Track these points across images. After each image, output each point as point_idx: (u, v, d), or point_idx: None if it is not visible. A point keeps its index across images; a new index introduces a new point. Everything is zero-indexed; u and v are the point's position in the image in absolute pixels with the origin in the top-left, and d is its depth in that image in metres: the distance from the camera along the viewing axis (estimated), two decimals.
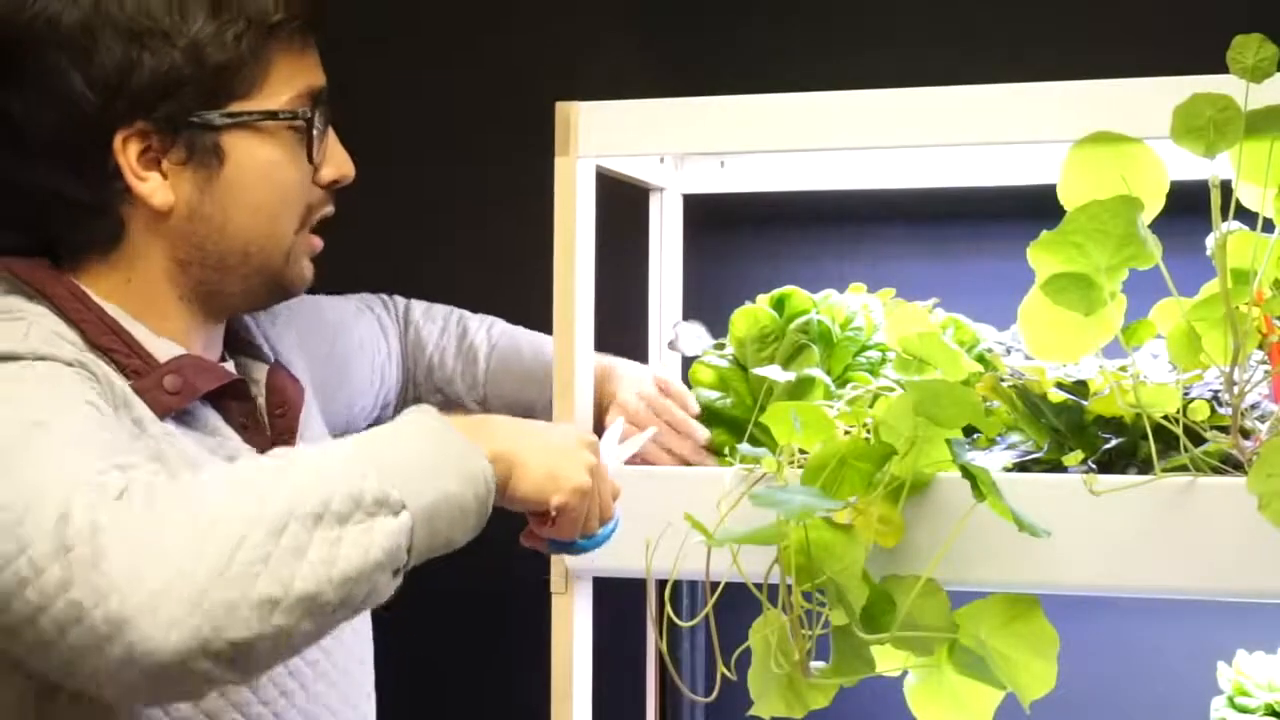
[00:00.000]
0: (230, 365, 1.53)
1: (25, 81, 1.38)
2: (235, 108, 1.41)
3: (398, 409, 1.77)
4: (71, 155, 1.39)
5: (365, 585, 1.17)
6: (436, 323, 1.82)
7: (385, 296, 1.84)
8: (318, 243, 1.52)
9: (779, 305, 1.70)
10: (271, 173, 1.44)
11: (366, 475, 1.18)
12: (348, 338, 1.74)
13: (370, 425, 1.63)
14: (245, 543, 1.12)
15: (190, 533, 1.12)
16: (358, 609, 1.18)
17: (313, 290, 1.57)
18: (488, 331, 1.81)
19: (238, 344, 1.55)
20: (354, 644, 1.57)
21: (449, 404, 1.80)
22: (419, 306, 1.83)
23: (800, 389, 1.63)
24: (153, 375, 1.40)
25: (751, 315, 1.69)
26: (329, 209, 1.52)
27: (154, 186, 1.41)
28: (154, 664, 1.09)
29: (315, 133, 1.46)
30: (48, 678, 1.21)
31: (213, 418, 1.45)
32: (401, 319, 1.82)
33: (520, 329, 1.81)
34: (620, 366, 1.74)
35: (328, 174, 1.49)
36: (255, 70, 1.42)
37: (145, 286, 1.44)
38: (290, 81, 1.44)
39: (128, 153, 1.39)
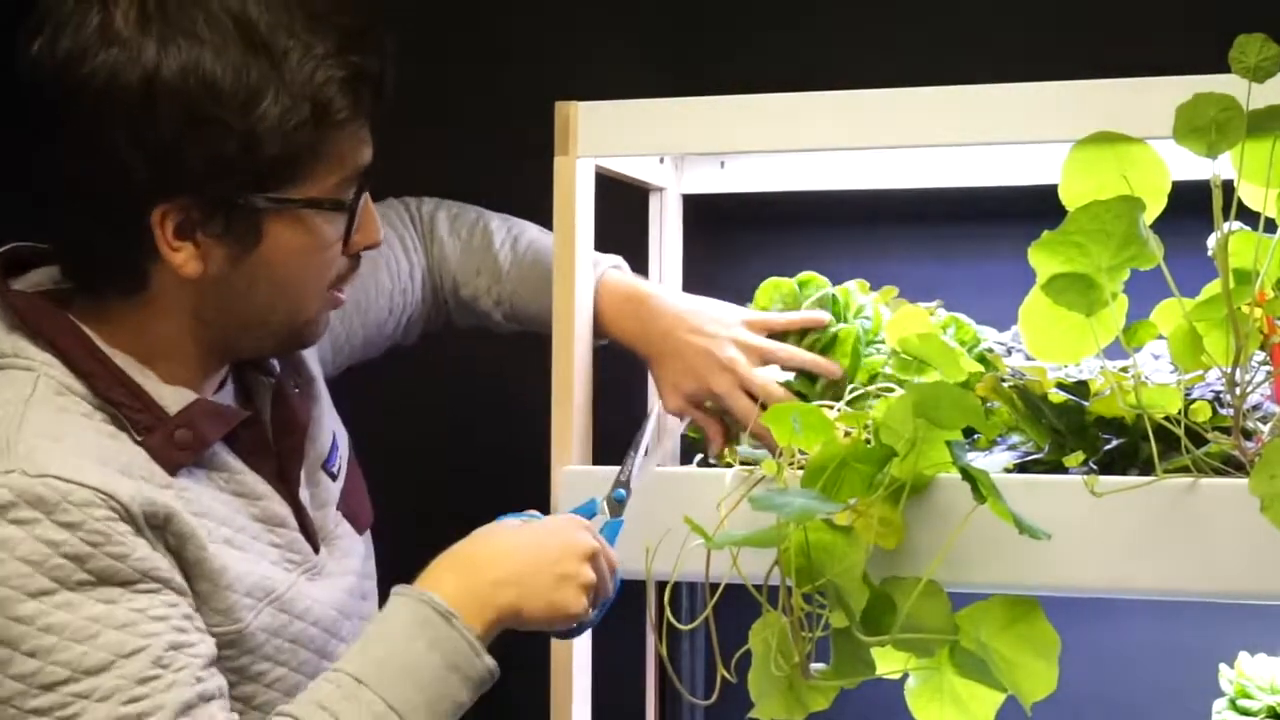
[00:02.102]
0: (230, 391, 1.51)
1: (76, 133, 1.35)
2: (280, 194, 1.38)
3: (426, 323, 1.79)
4: (107, 212, 1.37)
5: None
6: (460, 237, 1.77)
7: (412, 210, 1.80)
8: (341, 298, 1.50)
9: (801, 288, 1.72)
10: (303, 254, 1.42)
11: None
12: (362, 281, 1.69)
13: (389, 340, 1.74)
14: None
15: None
16: None
17: None
18: (512, 246, 1.76)
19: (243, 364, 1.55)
20: None
21: (478, 316, 1.77)
22: (444, 220, 1.78)
23: (830, 346, 1.65)
24: (162, 430, 1.40)
25: (775, 288, 1.71)
26: (356, 273, 1.50)
27: (185, 257, 1.38)
28: None
29: (355, 217, 1.44)
30: None
31: (221, 453, 1.45)
32: (427, 233, 1.79)
33: (548, 236, 1.71)
34: (658, 299, 1.70)
35: (358, 242, 1.47)
36: (307, 159, 1.38)
37: (161, 334, 1.43)
38: (341, 166, 1.41)
39: (165, 224, 1.36)
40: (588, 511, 1.52)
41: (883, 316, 1.69)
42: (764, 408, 1.56)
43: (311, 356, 1.62)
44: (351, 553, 1.57)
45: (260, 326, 1.45)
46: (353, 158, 1.42)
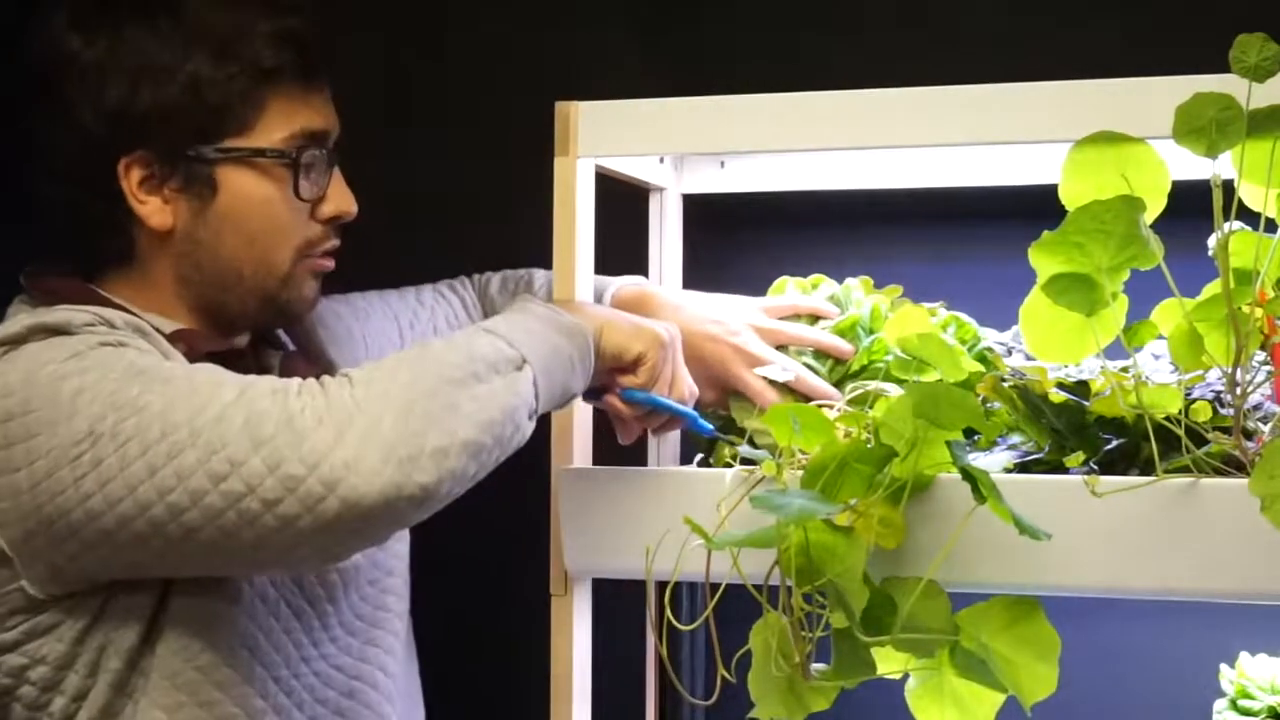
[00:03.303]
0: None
1: (51, 109, 1.54)
2: (228, 143, 1.54)
3: None
4: (84, 177, 1.54)
5: (510, 427, 1.41)
6: (508, 291, 1.89)
7: (474, 278, 1.93)
8: (326, 264, 1.62)
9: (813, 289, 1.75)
10: (262, 207, 1.55)
11: (493, 343, 1.43)
12: (420, 327, 1.83)
13: None
14: (413, 408, 1.36)
15: (369, 408, 1.36)
16: (508, 449, 1.43)
17: (329, 289, 1.67)
18: (549, 291, 1.81)
19: (256, 337, 1.66)
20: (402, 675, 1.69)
21: None
22: (496, 281, 1.91)
23: (843, 335, 1.68)
24: (158, 344, 1.51)
25: (786, 285, 1.74)
26: (333, 243, 1.61)
27: (152, 209, 1.54)
28: (364, 509, 1.34)
29: (304, 172, 1.56)
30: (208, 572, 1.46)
31: None
32: (482, 294, 1.91)
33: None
34: (661, 294, 1.76)
35: (327, 210, 1.60)
36: (249, 110, 1.54)
37: (157, 297, 1.58)
38: (287, 122, 1.55)
39: (130, 177, 1.53)
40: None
41: (881, 311, 1.70)
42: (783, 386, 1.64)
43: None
44: None
45: (237, 283, 1.57)
46: (298, 117, 1.56)
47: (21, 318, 1.48)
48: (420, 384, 1.37)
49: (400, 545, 1.71)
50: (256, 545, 1.37)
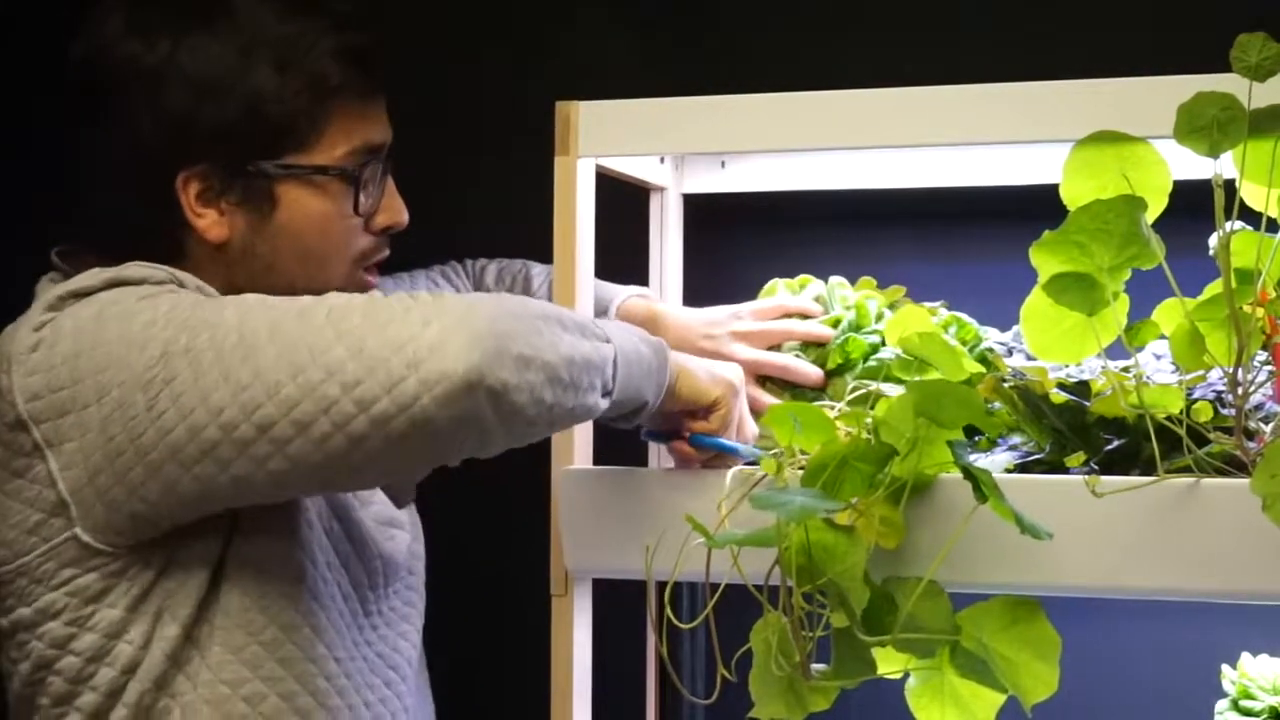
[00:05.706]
0: None
1: (107, 114, 1.51)
2: (289, 160, 1.52)
3: None
4: (139, 185, 1.52)
5: (586, 379, 1.40)
6: (504, 283, 1.89)
7: (468, 266, 1.93)
8: (371, 281, 1.61)
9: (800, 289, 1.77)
10: (320, 222, 1.55)
11: (581, 321, 1.43)
12: None
13: None
14: (503, 315, 1.34)
15: (458, 307, 1.34)
16: (578, 405, 1.40)
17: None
18: (549, 290, 1.83)
19: None
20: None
21: None
22: (493, 271, 1.91)
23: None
24: None
25: (777, 287, 1.75)
26: (383, 253, 1.62)
27: (209, 222, 1.52)
28: (442, 392, 1.31)
29: (364, 187, 1.55)
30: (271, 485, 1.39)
31: None
32: (478, 285, 1.91)
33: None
34: (669, 312, 1.78)
35: (381, 221, 1.60)
36: (311, 127, 1.52)
37: None
38: (347, 138, 1.54)
39: (188, 190, 1.51)
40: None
41: (869, 307, 1.70)
42: (781, 383, 1.68)
43: None
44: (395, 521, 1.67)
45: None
46: (359, 132, 1.55)
47: (95, 272, 1.46)
48: (511, 308, 1.37)
49: (420, 545, 1.72)
50: (323, 440, 1.33)
